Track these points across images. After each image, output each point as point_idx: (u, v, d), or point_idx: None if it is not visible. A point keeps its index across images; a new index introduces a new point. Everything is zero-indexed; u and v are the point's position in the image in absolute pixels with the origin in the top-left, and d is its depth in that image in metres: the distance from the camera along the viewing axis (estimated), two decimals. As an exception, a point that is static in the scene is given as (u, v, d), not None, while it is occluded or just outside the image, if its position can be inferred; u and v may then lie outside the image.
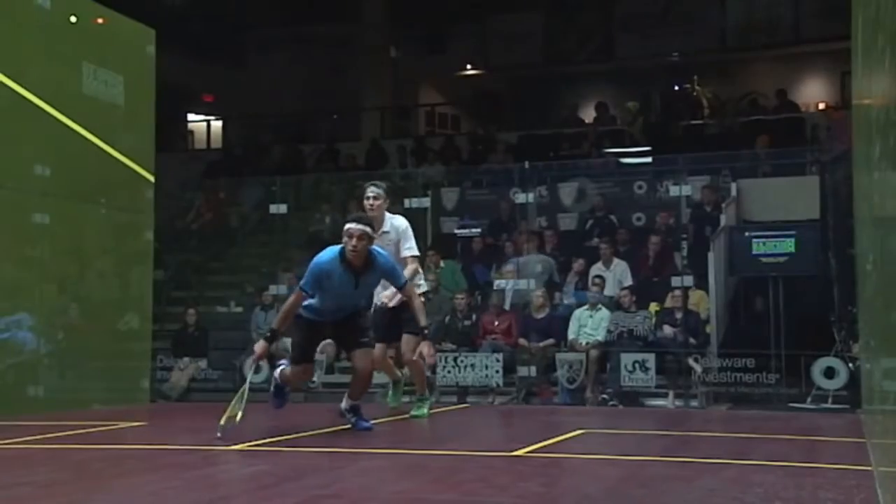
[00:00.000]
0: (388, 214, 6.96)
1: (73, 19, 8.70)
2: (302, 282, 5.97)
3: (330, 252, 5.94)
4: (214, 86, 19.60)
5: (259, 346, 6.01)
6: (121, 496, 4.16)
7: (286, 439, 6.01)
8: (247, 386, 5.95)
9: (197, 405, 10.25)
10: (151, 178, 9.44)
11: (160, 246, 11.15)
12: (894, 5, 2.09)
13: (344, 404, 6.31)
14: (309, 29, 19.24)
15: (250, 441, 5.80)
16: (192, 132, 20.13)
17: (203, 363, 11.22)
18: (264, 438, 5.93)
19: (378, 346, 6.93)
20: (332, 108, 19.24)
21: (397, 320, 6.90)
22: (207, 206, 14.47)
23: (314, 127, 19.04)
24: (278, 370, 6.50)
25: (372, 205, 6.85)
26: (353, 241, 5.81)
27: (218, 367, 11.27)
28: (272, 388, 6.59)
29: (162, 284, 11.76)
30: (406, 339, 6.94)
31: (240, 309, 12.55)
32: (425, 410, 7.28)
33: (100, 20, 9.00)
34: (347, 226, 5.87)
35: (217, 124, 20.12)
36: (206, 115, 20.19)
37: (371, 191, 6.93)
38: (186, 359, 11.17)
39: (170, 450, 5.65)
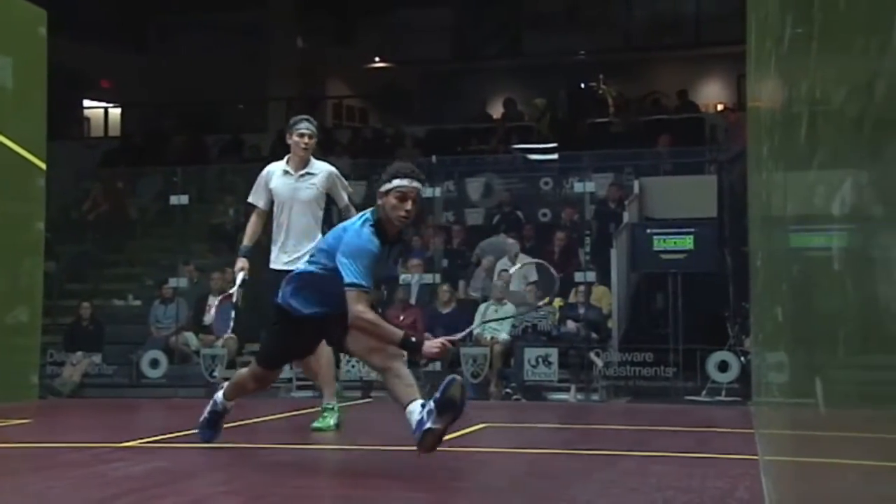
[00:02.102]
0: (312, 158, 6.26)
1: (-43, -3, 8.29)
2: (356, 278, 4.20)
3: (360, 225, 4.34)
4: (112, 71, 18.98)
5: (429, 352, 4.39)
6: (3, 497, 3.98)
7: (184, 435, 5.87)
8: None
9: (90, 401, 9.94)
10: (43, 166, 9.08)
11: (52, 237, 10.75)
12: (780, 9, 2.15)
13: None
14: (213, 15, 18.80)
15: (145, 437, 5.64)
16: (87, 119, 19.46)
17: (97, 358, 10.88)
18: (160, 435, 5.77)
19: None
20: (237, 97, 18.87)
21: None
22: (104, 196, 14.03)
23: (218, 117, 18.62)
24: (220, 394, 5.16)
25: (307, 143, 6.10)
26: (408, 206, 4.32)
27: (114, 362, 10.95)
28: (207, 416, 5.16)
29: (54, 277, 11.36)
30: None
31: (138, 302, 12.24)
32: (331, 422, 6.18)
33: (-14, -1, 8.61)
34: (397, 182, 4.30)
35: (115, 111, 19.50)
36: (104, 101, 19.54)
37: (306, 127, 6.12)
38: (79, 353, 10.81)
39: (58, 448, 5.45)
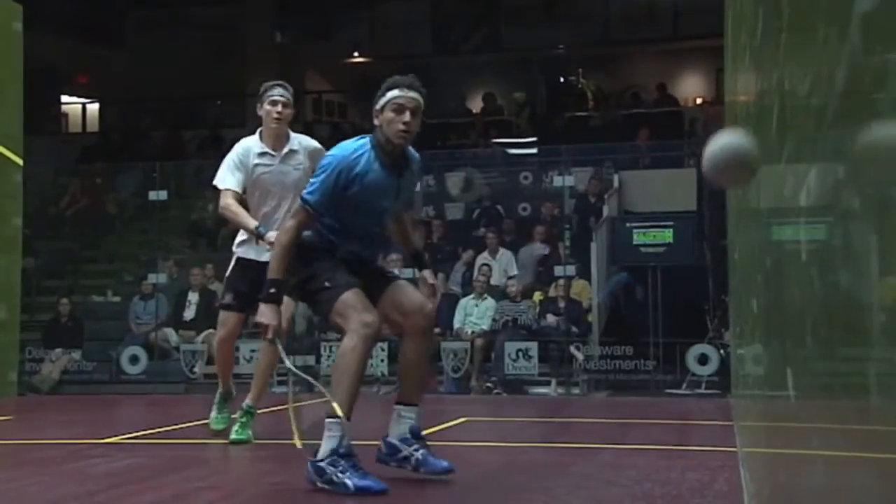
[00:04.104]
0: (290, 131, 5.21)
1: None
2: (308, 191, 3.79)
3: (353, 143, 3.86)
4: (90, 67, 18.83)
5: (265, 313, 3.74)
6: (-20, 495, 3.95)
7: (163, 431, 5.86)
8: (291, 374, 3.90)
9: (69, 398, 9.87)
10: (20, 162, 9.01)
11: (30, 233, 10.68)
12: (753, 2, 2.16)
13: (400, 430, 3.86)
14: (191, 10, 18.69)
15: (124, 434, 5.61)
16: (65, 115, 19.29)
17: (77, 355, 10.80)
18: (140, 431, 5.75)
19: (231, 315, 5.19)
20: (216, 92, 18.77)
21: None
22: (83, 191, 13.93)
23: (196, 112, 18.53)
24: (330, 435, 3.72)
25: (280, 112, 5.08)
26: (407, 117, 3.75)
27: (93, 359, 10.87)
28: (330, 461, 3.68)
29: (32, 273, 11.28)
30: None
31: (117, 298, 12.16)
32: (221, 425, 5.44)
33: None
34: (393, 93, 3.77)
35: (93, 107, 19.35)
36: (82, 97, 19.39)
37: (280, 93, 5.10)
38: (58, 350, 10.73)
39: (37, 444, 5.42)
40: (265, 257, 4.56)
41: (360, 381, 3.69)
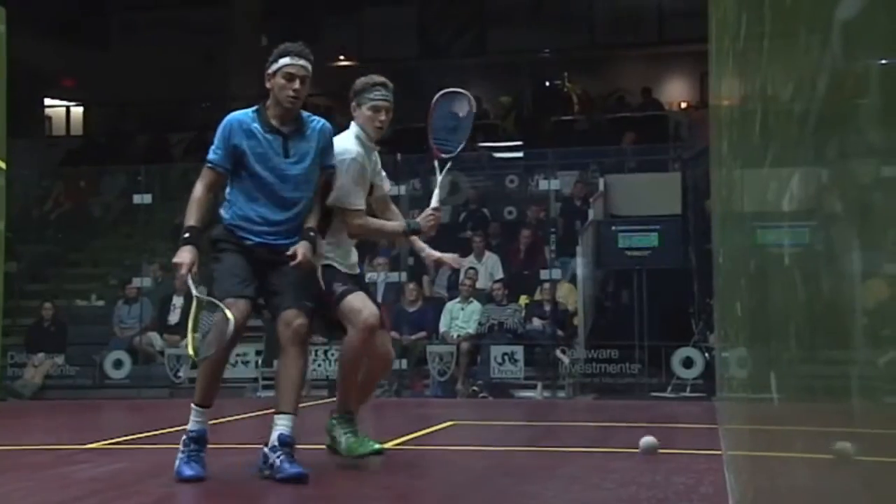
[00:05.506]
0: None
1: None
2: (210, 153, 4.16)
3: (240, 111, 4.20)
4: (75, 69, 18.73)
5: (180, 254, 4.02)
6: (-38, 501, 3.92)
7: (149, 436, 5.83)
8: (196, 302, 4.08)
9: (52, 403, 9.82)
10: (3, 165, 8.95)
11: (13, 237, 10.59)
12: (736, 8, 2.18)
13: (273, 437, 3.98)
14: (177, 13, 18.63)
15: (109, 439, 5.59)
16: (49, 118, 19.18)
17: (60, 359, 10.74)
18: (124, 436, 5.72)
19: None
20: (202, 95, 18.70)
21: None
22: (67, 195, 13.86)
23: (182, 115, 18.44)
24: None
25: (382, 121, 4.46)
26: (296, 85, 4.05)
27: (76, 363, 10.81)
28: (187, 441, 4.08)
29: (15, 277, 11.21)
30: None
31: (101, 302, 12.10)
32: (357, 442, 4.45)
33: (-57, -5, 8.46)
34: (284, 61, 4.03)
35: (77, 110, 19.24)
36: (66, 99, 19.27)
37: (383, 95, 4.41)
38: (41, 354, 10.66)
39: (20, 450, 5.38)
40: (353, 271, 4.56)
41: (214, 375, 4.19)
